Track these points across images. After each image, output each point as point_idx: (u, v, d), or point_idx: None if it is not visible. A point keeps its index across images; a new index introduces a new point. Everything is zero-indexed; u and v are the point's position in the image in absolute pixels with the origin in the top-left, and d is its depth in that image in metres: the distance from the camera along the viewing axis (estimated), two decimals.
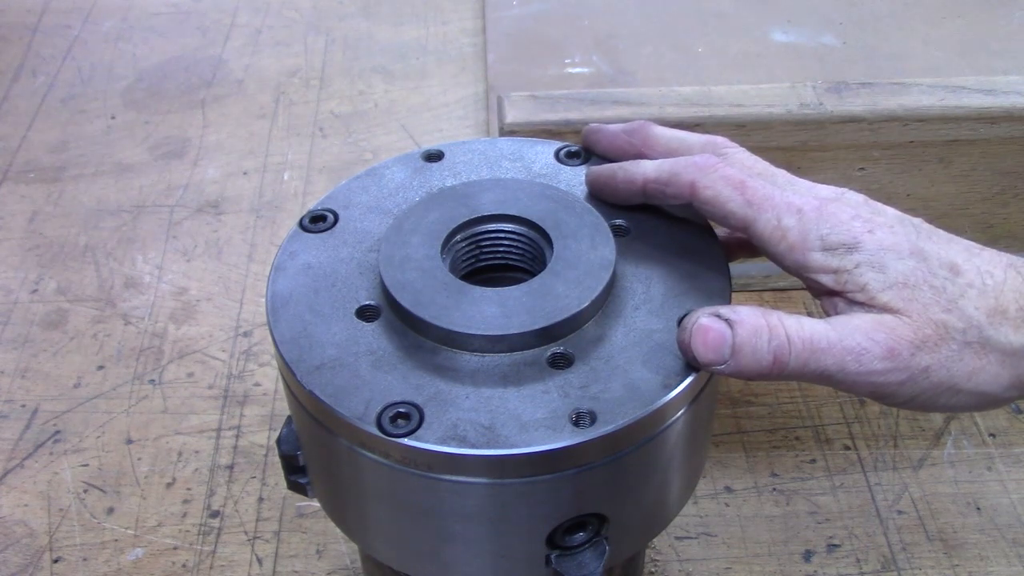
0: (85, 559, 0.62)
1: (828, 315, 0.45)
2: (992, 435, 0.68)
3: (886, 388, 0.43)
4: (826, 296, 0.45)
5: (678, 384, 0.42)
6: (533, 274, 0.47)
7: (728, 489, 0.65)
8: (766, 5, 1.05)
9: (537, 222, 0.48)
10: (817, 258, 0.44)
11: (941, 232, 0.46)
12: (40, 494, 0.66)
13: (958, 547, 0.62)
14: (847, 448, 0.67)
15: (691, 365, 0.43)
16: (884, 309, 0.43)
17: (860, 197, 0.46)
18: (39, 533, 0.63)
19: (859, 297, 0.44)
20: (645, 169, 0.48)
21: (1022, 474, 0.65)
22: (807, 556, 0.61)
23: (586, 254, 0.46)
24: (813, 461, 0.66)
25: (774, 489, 0.65)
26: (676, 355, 0.44)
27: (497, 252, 0.49)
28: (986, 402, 0.45)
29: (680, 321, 0.44)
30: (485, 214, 0.49)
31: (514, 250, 0.49)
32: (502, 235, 0.49)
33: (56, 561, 0.62)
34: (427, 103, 0.99)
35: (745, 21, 1.03)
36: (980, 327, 0.43)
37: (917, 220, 0.46)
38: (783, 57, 0.97)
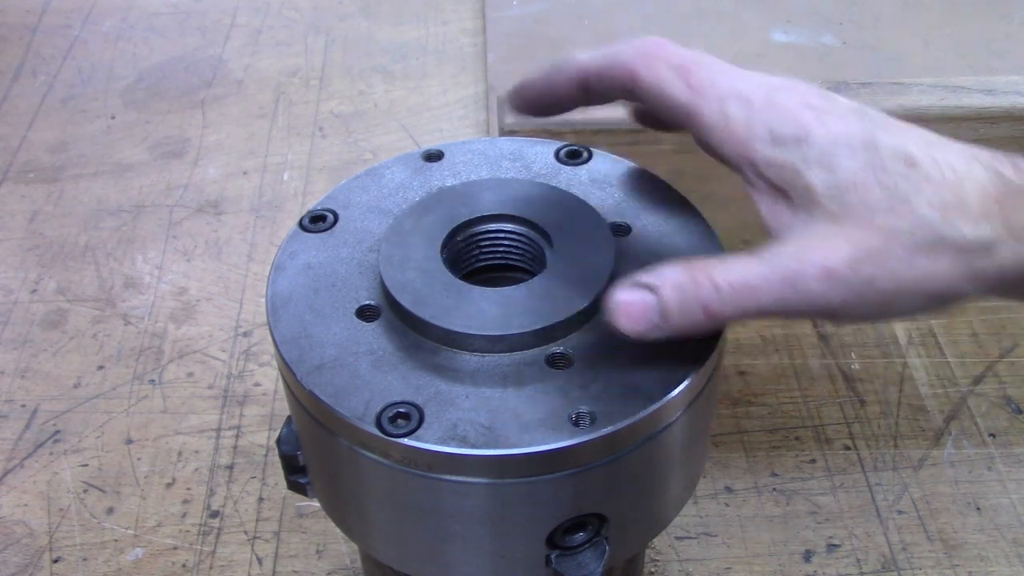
0: (85, 559, 0.62)
1: (769, 227, 0.42)
2: (992, 435, 0.68)
3: (829, 307, 0.40)
4: (768, 198, 0.42)
5: (678, 384, 0.42)
6: (533, 274, 0.47)
7: (728, 489, 0.65)
8: (766, 5, 1.05)
9: (537, 222, 0.48)
10: (763, 150, 0.41)
11: (897, 121, 0.43)
12: (40, 494, 0.66)
13: (958, 547, 0.62)
14: (847, 448, 0.67)
15: (625, 337, 0.41)
16: (827, 217, 0.40)
17: (813, 86, 0.43)
18: (39, 533, 0.63)
19: (803, 201, 0.41)
20: (579, 59, 0.45)
21: (1022, 474, 0.65)
22: (807, 556, 0.61)
23: (586, 254, 0.46)
24: (813, 461, 0.66)
25: (774, 489, 0.65)
26: (677, 354, 0.44)
27: (497, 252, 0.49)
28: (943, 303, 0.42)
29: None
30: (485, 214, 0.49)
31: (514, 250, 0.49)
32: (502, 235, 0.49)
33: (56, 561, 0.62)
34: (427, 103, 0.99)
35: (745, 21, 1.03)
36: (932, 225, 0.40)
37: (873, 110, 0.43)
38: (783, 57, 0.97)
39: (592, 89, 0.45)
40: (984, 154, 0.42)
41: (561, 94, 0.46)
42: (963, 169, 0.41)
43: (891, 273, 0.40)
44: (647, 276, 0.41)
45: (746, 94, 0.42)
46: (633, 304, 0.41)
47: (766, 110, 0.42)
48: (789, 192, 0.41)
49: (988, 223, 0.40)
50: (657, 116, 0.46)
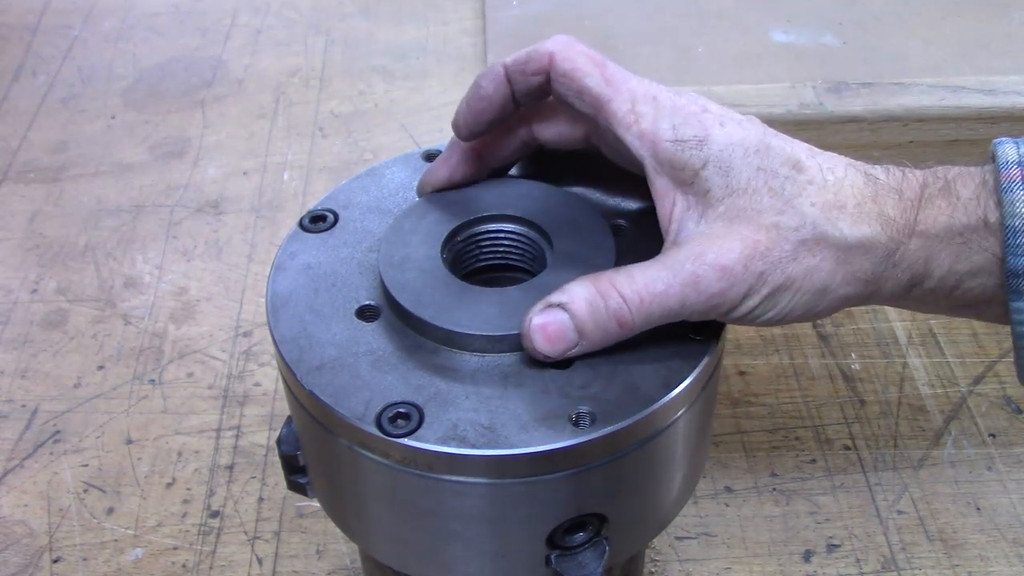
0: (85, 559, 0.62)
1: (666, 223, 0.45)
2: (992, 435, 0.68)
3: (727, 304, 0.43)
4: (667, 196, 0.45)
5: (678, 384, 0.42)
6: (533, 274, 0.47)
7: (728, 489, 0.65)
8: (766, 5, 1.05)
9: (537, 222, 0.48)
10: (667, 148, 0.44)
11: (785, 135, 0.46)
12: (40, 494, 0.66)
13: (958, 547, 0.62)
14: (847, 448, 0.67)
15: (543, 361, 0.43)
16: (720, 217, 0.44)
17: (711, 100, 0.46)
18: (39, 533, 0.63)
19: (699, 200, 0.44)
20: (503, 59, 0.48)
21: (1022, 474, 0.65)
22: (807, 556, 0.61)
23: (586, 254, 0.46)
24: (813, 461, 0.66)
25: (774, 489, 0.65)
26: (677, 354, 0.44)
27: (497, 252, 0.49)
28: (826, 301, 0.45)
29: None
30: (485, 214, 0.49)
31: (514, 250, 0.49)
32: (502, 235, 0.49)
33: (56, 561, 0.62)
34: (427, 103, 0.99)
35: (745, 21, 1.03)
36: (815, 223, 0.43)
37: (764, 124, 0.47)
38: (783, 57, 0.97)
39: (514, 81, 0.47)
40: (859, 163, 0.46)
41: (490, 96, 0.48)
42: (842, 173, 0.45)
43: (779, 268, 0.43)
44: (557, 296, 0.43)
45: (654, 96, 0.45)
46: (549, 325, 0.43)
47: (672, 112, 0.45)
48: (687, 191, 0.45)
49: (867, 224, 0.44)
50: (562, 118, 0.49)
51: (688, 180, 0.44)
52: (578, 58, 0.46)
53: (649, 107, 0.45)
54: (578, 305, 0.42)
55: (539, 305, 0.43)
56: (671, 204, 0.45)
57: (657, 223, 0.49)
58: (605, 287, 0.43)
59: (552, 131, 0.50)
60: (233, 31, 1.10)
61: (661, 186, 0.45)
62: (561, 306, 0.43)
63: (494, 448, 0.40)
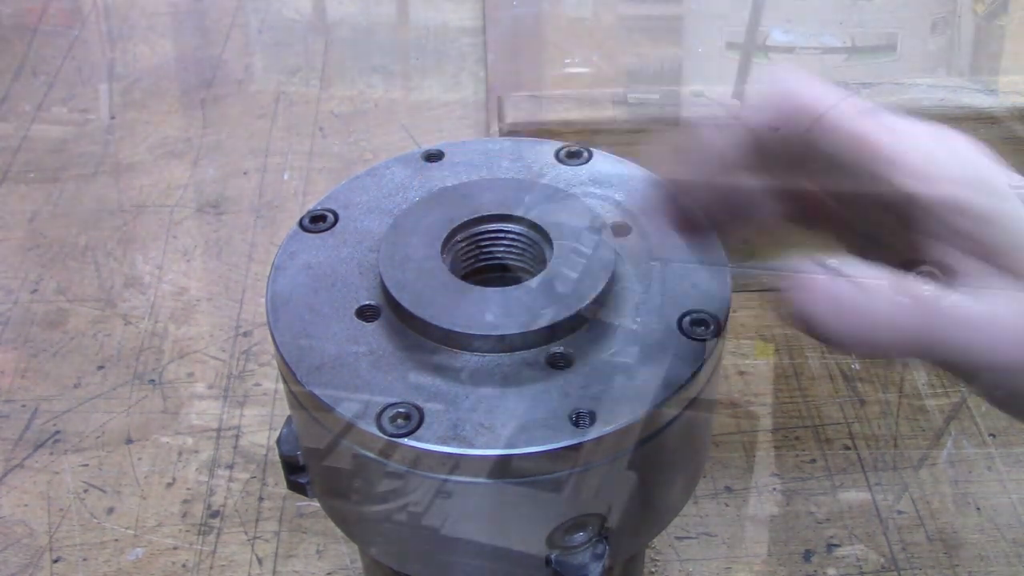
0: (85, 559, 0.62)
1: (941, 271, 0.38)
2: (992, 435, 0.68)
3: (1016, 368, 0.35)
4: (945, 243, 0.38)
5: (678, 384, 0.42)
6: (533, 274, 0.47)
7: (728, 489, 0.65)
8: (766, 5, 1.05)
9: (537, 222, 0.48)
10: (954, 192, 0.38)
11: None
12: (40, 494, 0.66)
13: (958, 547, 0.62)
14: (847, 448, 0.67)
15: (819, 338, 0.37)
16: (1010, 275, 0.36)
17: (969, 137, 0.40)
18: (39, 533, 0.63)
19: (981, 252, 0.37)
20: (743, 114, 0.40)
21: (1022, 474, 0.65)
22: (807, 556, 0.61)
23: (586, 254, 0.46)
24: (813, 461, 0.66)
25: (774, 489, 0.65)
26: (676, 355, 0.44)
27: (497, 252, 0.49)
28: None
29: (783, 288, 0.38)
30: (485, 214, 0.49)
31: (514, 250, 0.49)
32: (502, 235, 0.49)
33: (56, 561, 0.62)
34: (427, 103, 0.99)
35: (745, 21, 1.03)
36: None
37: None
38: (783, 57, 0.97)
39: (760, 133, 0.40)
40: None
41: (724, 153, 0.41)
42: None
43: None
44: (849, 275, 0.37)
45: (917, 131, 0.39)
46: (845, 303, 0.36)
47: (948, 156, 0.39)
48: (966, 239, 0.38)
49: None
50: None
51: (971, 228, 0.38)
52: (859, 118, 0.39)
53: (916, 144, 0.38)
54: (879, 293, 0.36)
55: (820, 273, 0.37)
56: (949, 248, 0.38)
57: (657, 223, 0.49)
58: (915, 290, 0.36)
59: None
60: (233, 31, 1.10)
61: (937, 231, 0.38)
62: (857, 287, 0.36)
63: (494, 448, 0.40)
